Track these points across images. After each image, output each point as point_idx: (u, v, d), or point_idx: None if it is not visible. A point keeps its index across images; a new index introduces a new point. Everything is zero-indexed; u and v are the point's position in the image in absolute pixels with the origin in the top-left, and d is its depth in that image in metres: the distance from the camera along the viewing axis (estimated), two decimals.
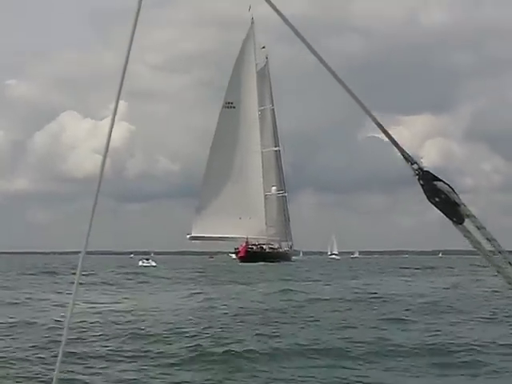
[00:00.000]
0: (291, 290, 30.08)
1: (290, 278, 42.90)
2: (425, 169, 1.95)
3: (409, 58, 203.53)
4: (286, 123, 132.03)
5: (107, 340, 15.28)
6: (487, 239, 1.97)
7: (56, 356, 12.31)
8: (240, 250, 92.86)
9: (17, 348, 14.07)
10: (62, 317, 18.08)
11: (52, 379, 2.67)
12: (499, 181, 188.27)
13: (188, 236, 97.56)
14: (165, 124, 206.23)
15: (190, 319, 19.23)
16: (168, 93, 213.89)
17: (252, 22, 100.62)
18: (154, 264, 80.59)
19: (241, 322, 18.58)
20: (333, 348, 13.82)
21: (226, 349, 13.58)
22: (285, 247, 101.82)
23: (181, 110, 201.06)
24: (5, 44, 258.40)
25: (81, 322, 17.28)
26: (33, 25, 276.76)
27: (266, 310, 21.83)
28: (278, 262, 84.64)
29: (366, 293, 28.62)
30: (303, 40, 2.02)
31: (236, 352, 13.25)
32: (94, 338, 15.50)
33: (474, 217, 1.96)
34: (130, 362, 12.84)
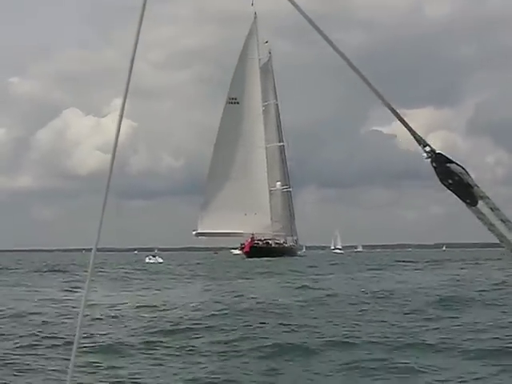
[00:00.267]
0: (306, 286, 30.15)
1: (300, 272, 43.19)
2: (437, 151, 1.94)
3: (413, 50, 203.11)
4: (288, 118, 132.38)
5: (149, 333, 15.48)
6: (501, 220, 1.94)
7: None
8: (245, 245, 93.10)
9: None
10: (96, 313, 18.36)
11: None
12: (502, 174, 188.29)
13: (194, 232, 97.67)
14: (167, 120, 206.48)
15: (223, 311, 19.49)
16: (169, 89, 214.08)
17: (255, 17, 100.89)
18: (160, 260, 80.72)
19: (266, 316, 18.74)
20: (373, 341, 13.96)
21: (271, 342, 13.80)
22: (290, 242, 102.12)
23: (182, 107, 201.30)
24: (7, 42, 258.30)
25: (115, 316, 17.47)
26: (35, 22, 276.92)
27: (288, 303, 22.00)
28: (282, 256, 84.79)
29: (380, 289, 28.22)
30: (317, 29, 1.98)
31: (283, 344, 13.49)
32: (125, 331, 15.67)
33: (488, 198, 1.93)
34: (173, 355, 13.05)
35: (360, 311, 19.73)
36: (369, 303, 21.96)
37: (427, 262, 64.78)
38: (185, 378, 11.19)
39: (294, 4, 1.97)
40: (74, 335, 2.57)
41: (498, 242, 1.95)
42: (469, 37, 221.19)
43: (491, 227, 1.93)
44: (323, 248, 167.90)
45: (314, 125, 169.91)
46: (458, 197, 1.92)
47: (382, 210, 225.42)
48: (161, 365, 12.30)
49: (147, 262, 76.93)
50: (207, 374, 11.42)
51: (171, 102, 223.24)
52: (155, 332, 15.69)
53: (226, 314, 19.14)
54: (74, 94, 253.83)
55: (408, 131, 1.99)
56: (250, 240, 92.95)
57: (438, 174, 1.93)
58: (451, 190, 1.92)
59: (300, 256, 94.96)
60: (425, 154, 1.95)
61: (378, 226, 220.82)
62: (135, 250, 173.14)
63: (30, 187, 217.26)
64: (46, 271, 49.62)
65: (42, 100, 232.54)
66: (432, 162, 1.93)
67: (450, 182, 1.92)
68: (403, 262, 64.70)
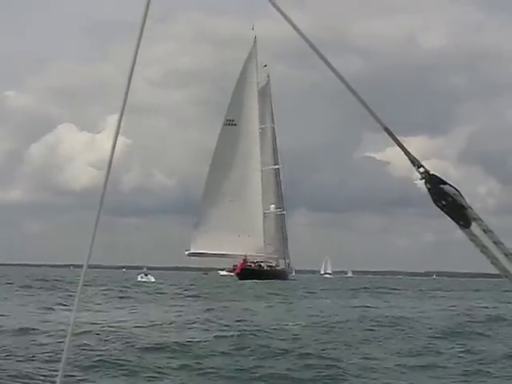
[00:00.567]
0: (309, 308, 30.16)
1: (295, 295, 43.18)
2: (431, 172, 1.95)
3: (407, 79, 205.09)
4: (285, 141, 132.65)
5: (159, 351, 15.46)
6: (494, 242, 1.93)
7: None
8: (237, 266, 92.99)
9: None
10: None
11: None
12: (493, 204, 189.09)
13: (187, 252, 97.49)
14: (161, 139, 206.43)
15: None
16: (165, 107, 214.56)
17: (255, 41, 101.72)
18: (152, 280, 79.84)
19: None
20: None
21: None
22: (282, 265, 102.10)
23: (178, 125, 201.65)
24: (3, 54, 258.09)
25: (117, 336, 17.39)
26: (32, 36, 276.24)
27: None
28: (273, 279, 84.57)
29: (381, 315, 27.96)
30: (317, 52, 2.01)
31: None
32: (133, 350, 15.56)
33: (481, 220, 1.94)
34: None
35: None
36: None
37: (421, 290, 64.77)
38: None
39: (295, 28, 2.00)
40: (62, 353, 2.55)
41: (488, 272, 2.00)
42: (461, 68, 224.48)
43: (484, 249, 1.93)
44: (313, 272, 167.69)
45: (307, 148, 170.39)
46: (452, 218, 1.92)
47: (374, 236, 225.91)
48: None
49: (139, 281, 76.29)
50: None
51: (167, 120, 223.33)
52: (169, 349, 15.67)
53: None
54: (69, 108, 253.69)
55: (403, 152, 2.00)
56: (242, 262, 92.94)
57: (431, 195, 1.93)
58: (445, 212, 1.92)
59: (291, 279, 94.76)
60: (419, 175, 1.96)
61: (369, 252, 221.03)
62: (123, 267, 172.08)
63: (21, 201, 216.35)
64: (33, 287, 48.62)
65: (37, 114, 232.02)
66: (426, 183, 1.94)
67: (444, 203, 1.91)
68: (398, 288, 64.64)
